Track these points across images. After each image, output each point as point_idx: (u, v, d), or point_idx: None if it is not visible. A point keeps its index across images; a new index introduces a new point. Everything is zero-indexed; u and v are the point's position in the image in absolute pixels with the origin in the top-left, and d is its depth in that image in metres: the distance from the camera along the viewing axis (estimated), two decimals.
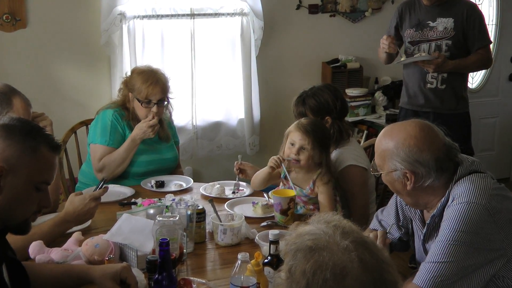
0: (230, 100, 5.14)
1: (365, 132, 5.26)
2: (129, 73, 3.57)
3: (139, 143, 3.38)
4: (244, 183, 3.36)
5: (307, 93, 3.15)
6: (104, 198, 2.76)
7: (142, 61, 4.48)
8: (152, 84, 3.38)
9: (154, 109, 3.42)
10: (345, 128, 3.15)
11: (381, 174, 2.22)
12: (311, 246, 1.38)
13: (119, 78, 3.73)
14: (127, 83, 3.47)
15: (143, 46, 4.73)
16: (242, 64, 5.04)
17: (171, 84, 3.52)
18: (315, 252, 1.37)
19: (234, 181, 3.31)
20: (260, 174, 3.08)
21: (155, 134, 3.38)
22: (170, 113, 3.66)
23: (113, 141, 3.42)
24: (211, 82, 5.06)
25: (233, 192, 3.27)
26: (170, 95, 3.51)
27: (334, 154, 3.10)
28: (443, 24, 4.00)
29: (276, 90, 5.36)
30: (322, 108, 3.10)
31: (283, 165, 2.92)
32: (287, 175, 2.94)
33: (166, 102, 3.49)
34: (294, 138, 2.89)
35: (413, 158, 2.10)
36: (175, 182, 3.38)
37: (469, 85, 5.91)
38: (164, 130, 3.57)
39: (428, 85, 4.09)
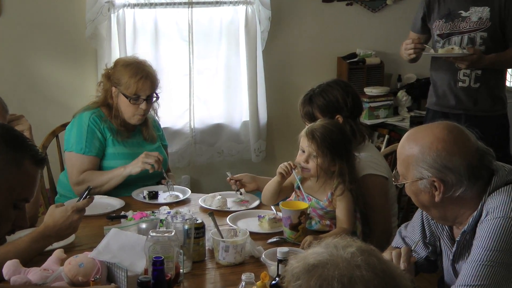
0: (233, 100, 5.14)
1: (386, 136, 5.23)
2: (110, 65, 3.59)
3: (125, 176, 3.40)
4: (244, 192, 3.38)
5: (315, 91, 3.19)
6: (89, 211, 2.76)
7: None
8: (142, 79, 3.41)
9: (143, 105, 3.44)
10: (359, 129, 3.16)
11: (404, 184, 2.21)
12: (314, 263, 1.42)
13: None
14: (110, 77, 3.49)
15: (134, 38, 4.74)
16: (247, 59, 5.04)
17: (160, 78, 3.56)
18: (318, 268, 1.41)
19: (236, 195, 3.32)
20: (271, 185, 3.07)
21: (152, 171, 3.38)
22: (156, 110, 3.67)
23: (90, 149, 3.43)
24: (211, 79, 5.07)
25: (239, 192, 3.28)
26: (158, 90, 3.53)
27: None
28: (478, 13, 3.98)
29: (285, 88, 5.35)
30: (330, 106, 3.13)
31: (294, 171, 2.92)
32: (299, 183, 2.94)
33: (154, 98, 3.51)
34: (302, 145, 2.92)
35: (441, 163, 2.09)
36: (170, 193, 3.39)
37: (508, 83, 5.88)
38: (149, 130, 3.60)
39: (460, 84, 4.07)
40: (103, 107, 3.52)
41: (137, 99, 3.43)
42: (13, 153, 1.82)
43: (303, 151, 2.91)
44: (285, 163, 2.95)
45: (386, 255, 2.26)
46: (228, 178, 3.36)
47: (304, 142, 2.90)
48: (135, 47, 4.72)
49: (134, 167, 3.37)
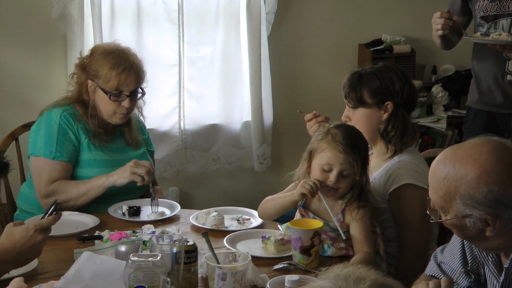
0: (232, 96, 5.16)
1: (419, 141, 5.25)
2: (85, 53, 3.59)
3: (107, 186, 3.40)
4: None
5: (367, 70, 3.23)
6: (55, 230, 2.75)
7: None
8: (125, 71, 3.40)
9: (126, 103, 3.44)
10: (412, 124, 3.20)
11: (445, 216, 2.18)
12: None
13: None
14: (86, 67, 3.48)
15: (112, 20, 4.75)
16: (249, 47, 5.06)
17: (147, 71, 3.56)
18: None
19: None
20: (279, 201, 3.05)
21: (141, 184, 3.37)
22: (140, 109, 3.68)
23: (62, 153, 3.42)
24: (206, 71, 5.09)
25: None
26: (144, 85, 3.54)
27: (391, 164, 3.12)
28: None
29: (295, 82, 5.36)
30: (384, 90, 3.16)
31: (319, 192, 2.90)
32: (325, 203, 2.91)
33: (140, 94, 3.51)
34: (331, 161, 2.87)
35: (494, 200, 2.06)
36: (155, 209, 3.38)
37: None
38: (132, 132, 3.60)
39: (508, 77, 4.05)
40: (77, 104, 3.51)
41: (119, 95, 3.42)
42: None
43: (329, 170, 2.87)
44: (310, 182, 2.87)
45: (420, 287, 2.24)
46: (312, 113, 3.36)
47: (334, 158, 2.86)
48: (112, 32, 4.73)
49: (120, 177, 3.35)
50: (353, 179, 2.87)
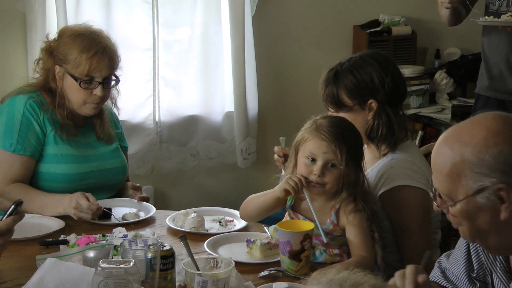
0: (212, 84, 5.17)
1: (420, 133, 5.26)
2: (53, 35, 3.57)
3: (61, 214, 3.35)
4: None
5: (343, 66, 3.19)
6: (15, 234, 2.73)
7: (77, 22, 4.46)
8: (97, 54, 3.39)
9: (98, 91, 3.42)
10: (400, 120, 3.17)
11: (453, 205, 2.18)
12: None
13: (40, 47, 3.73)
14: (53, 51, 3.47)
15: None
16: (231, 29, 5.06)
17: (121, 56, 3.55)
18: None
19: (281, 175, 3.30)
20: (261, 199, 3.06)
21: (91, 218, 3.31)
22: (114, 99, 3.67)
23: (24, 146, 3.40)
24: (183, 55, 5.10)
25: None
26: (119, 72, 3.53)
27: (383, 162, 3.12)
28: None
29: (282, 68, 5.37)
30: (362, 88, 3.13)
31: (304, 190, 2.91)
32: (309, 203, 2.92)
33: (114, 82, 3.50)
34: (313, 150, 2.87)
35: (506, 162, 2.03)
36: (127, 210, 3.40)
37: None
38: (104, 126, 3.59)
39: None
40: (43, 91, 3.50)
41: (90, 82, 3.40)
42: None
43: (312, 160, 2.88)
44: (294, 178, 2.88)
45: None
46: (277, 148, 3.43)
47: (317, 147, 2.86)
48: (78, 11, 4.72)
49: (67, 208, 3.29)
50: (340, 173, 2.87)
